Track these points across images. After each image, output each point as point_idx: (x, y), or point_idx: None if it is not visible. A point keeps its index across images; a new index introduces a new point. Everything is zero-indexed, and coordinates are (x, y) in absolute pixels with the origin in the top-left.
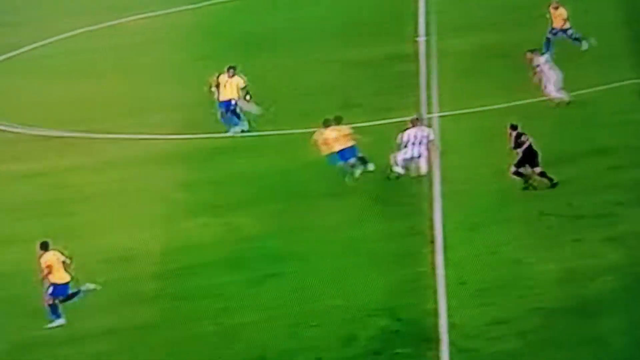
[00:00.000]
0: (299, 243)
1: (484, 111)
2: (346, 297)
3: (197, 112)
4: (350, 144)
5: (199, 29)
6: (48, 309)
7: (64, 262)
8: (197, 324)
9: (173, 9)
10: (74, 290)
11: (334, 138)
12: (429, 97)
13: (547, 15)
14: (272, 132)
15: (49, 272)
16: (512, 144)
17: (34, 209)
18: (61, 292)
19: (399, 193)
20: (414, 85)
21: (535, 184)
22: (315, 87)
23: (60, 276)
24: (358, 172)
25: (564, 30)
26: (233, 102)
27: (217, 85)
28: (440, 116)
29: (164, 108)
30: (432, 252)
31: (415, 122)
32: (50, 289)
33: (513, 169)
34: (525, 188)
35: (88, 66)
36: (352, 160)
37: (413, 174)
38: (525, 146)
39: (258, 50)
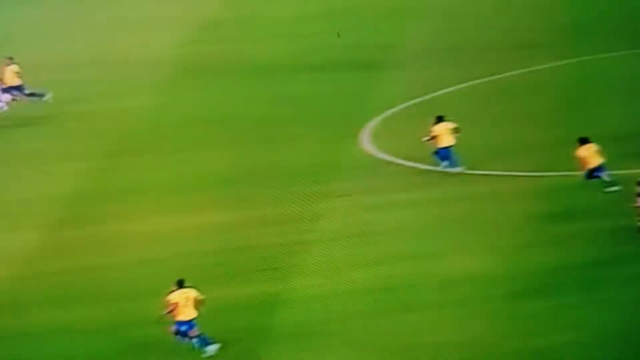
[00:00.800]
0: (614, 273)
1: None
2: None
3: (552, 153)
4: (600, 161)
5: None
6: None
7: (195, 299)
8: (527, 341)
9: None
10: (201, 333)
11: (589, 155)
12: None
13: None
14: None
15: (174, 310)
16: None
17: (412, 234)
18: (184, 327)
19: None
20: None
21: None
22: None
23: (186, 313)
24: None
25: None
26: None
27: (434, 136)
28: None
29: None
30: None
31: None
32: (175, 326)
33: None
34: None
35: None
36: (603, 175)
37: None
38: None
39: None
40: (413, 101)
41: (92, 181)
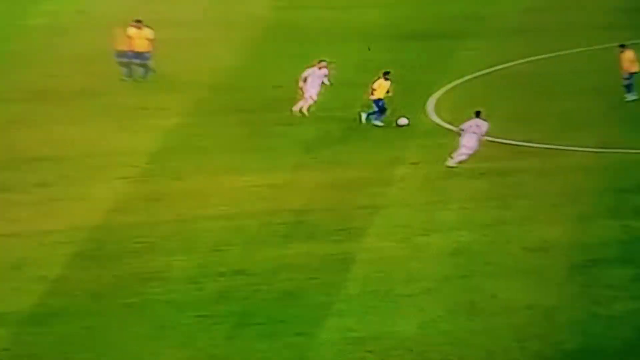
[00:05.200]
0: None
1: None
2: None
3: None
4: None
5: None
6: None
7: None
8: (594, 309)
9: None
10: None
11: None
12: None
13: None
14: None
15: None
16: None
17: (479, 202)
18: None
19: None
20: None
21: None
22: None
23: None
24: None
25: (630, 74)
26: None
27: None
28: None
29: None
30: None
31: None
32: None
33: None
34: None
35: (549, 86)
36: None
37: None
38: None
39: None
40: (482, 72)
41: (178, 137)
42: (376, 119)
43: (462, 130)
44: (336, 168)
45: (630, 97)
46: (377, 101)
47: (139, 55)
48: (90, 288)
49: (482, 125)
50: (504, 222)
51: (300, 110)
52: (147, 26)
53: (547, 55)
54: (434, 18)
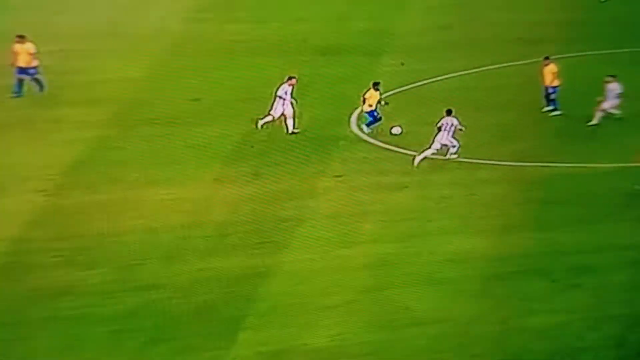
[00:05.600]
0: (599, 259)
1: None
2: (629, 306)
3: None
4: None
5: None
6: None
7: None
8: (510, 321)
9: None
10: None
11: None
12: None
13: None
14: None
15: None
16: None
17: (401, 215)
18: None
19: None
20: None
21: None
22: None
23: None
24: None
25: (553, 88)
26: None
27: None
28: None
29: (521, 139)
30: None
31: None
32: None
33: None
34: None
35: (468, 102)
36: None
37: None
38: None
39: None
40: (404, 88)
41: (93, 150)
42: (369, 124)
43: (438, 128)
44: (258, 181)
45: (552, 110)
46: (371, 112)
47: (24, 70)
48: (6, 301)
49: (453, 121)
50: (424, 234)
51: (292, 129)
52: (30, 41)
53: (470, 71)
54: (349, 34)
